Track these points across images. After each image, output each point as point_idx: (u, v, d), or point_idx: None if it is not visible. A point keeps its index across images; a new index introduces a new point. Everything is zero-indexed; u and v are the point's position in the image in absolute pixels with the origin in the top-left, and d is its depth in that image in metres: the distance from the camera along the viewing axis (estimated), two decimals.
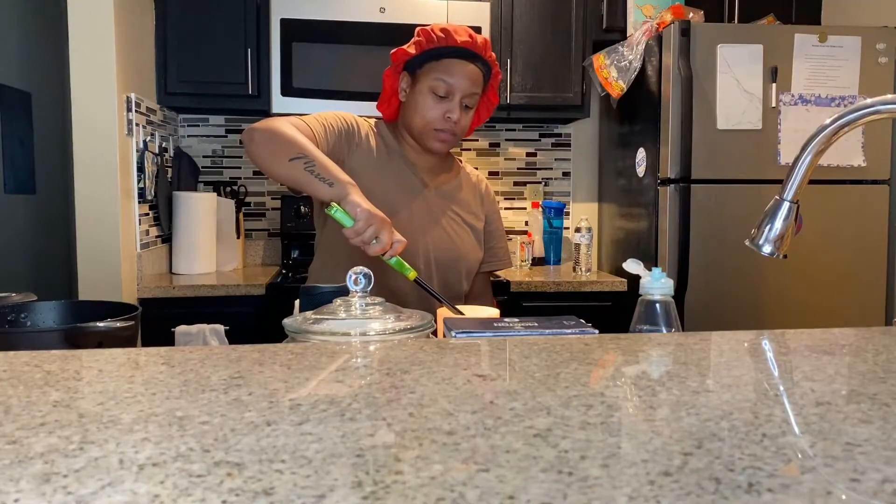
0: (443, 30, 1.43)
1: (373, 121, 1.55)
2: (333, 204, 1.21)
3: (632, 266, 1.04)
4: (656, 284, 0.99)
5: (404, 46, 1.47)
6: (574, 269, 2.73)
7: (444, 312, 1.11)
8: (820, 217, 2.35)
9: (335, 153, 1.39)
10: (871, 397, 0.57)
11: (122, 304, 1.15)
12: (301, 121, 1.38)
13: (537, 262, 2.94)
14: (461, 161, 1.66)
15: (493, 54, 1.51)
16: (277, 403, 0.54)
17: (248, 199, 2.95)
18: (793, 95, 2.33)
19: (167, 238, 2.66)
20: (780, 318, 2.35)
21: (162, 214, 2.58)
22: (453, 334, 0.88)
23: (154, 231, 2.57)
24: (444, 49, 1.44)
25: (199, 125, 2.95)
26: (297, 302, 1.12)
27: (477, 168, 2.48)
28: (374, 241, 1.20)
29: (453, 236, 1.52)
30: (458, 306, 1.16)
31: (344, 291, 0.98)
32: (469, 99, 1.47)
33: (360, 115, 1.55)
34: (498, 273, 2.33)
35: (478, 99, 1.50)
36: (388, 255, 1.22)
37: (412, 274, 1.23)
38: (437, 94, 1.44)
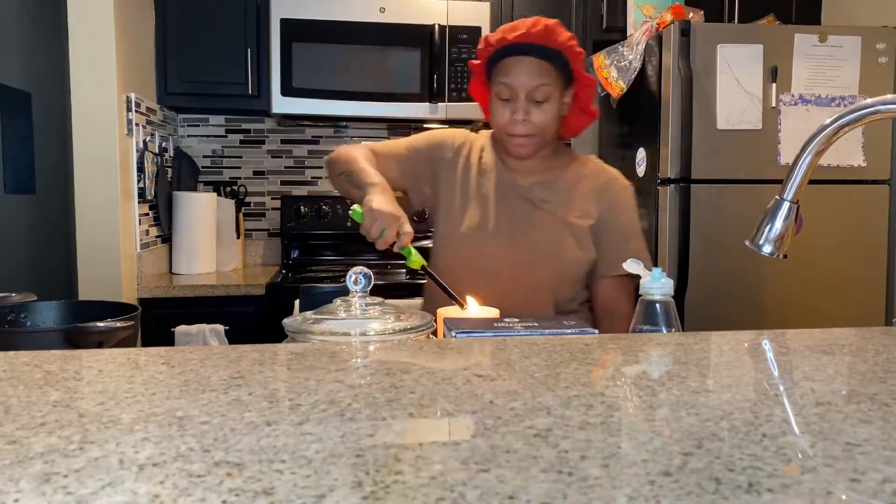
0: (501, 30, 1.40)
1: (483, 132, 1.55)
2: (354, 206, 1.30)
3: (632, 266, 1.04)
4: (656, 284, 0.99)
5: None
6: None
7: (444, 313, 1.11)
8: (820, 217, 2.35)
9: (410, 174, 1.48)
10: (871, 397, 0.57)
11: (122, 304, 1.15)
12: (369, 146, 1.48)
13: None
14: (583, 155, 1.60)
15: (565, 35, 1.39)
16: (277, 403, 0.54)
17: (248, 199, 2.95)
18: (793, 95, 2.33)
19: (167, 238, 2.66)
20: (781, 318, 2.35)
21: (162, 214, 2.58)
22: (453, 334, 0.88)
23: (154, 231, 2.57)
24: (502, 50, 1.40)
25: (199, 125, 2.95)
26: (297, 302, 1.12)
27: None
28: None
29: (538, 239, 1.43)
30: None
31: (344, 291, 0.98)
32: (538, 92, 1.38)
33: (444, 125, 1.54)
34: None
35: (549, 90, 1.39)
36: (397, 247, 1.27)
37: (417, 263, 1.26)
38: (502, 97, 1.41)
